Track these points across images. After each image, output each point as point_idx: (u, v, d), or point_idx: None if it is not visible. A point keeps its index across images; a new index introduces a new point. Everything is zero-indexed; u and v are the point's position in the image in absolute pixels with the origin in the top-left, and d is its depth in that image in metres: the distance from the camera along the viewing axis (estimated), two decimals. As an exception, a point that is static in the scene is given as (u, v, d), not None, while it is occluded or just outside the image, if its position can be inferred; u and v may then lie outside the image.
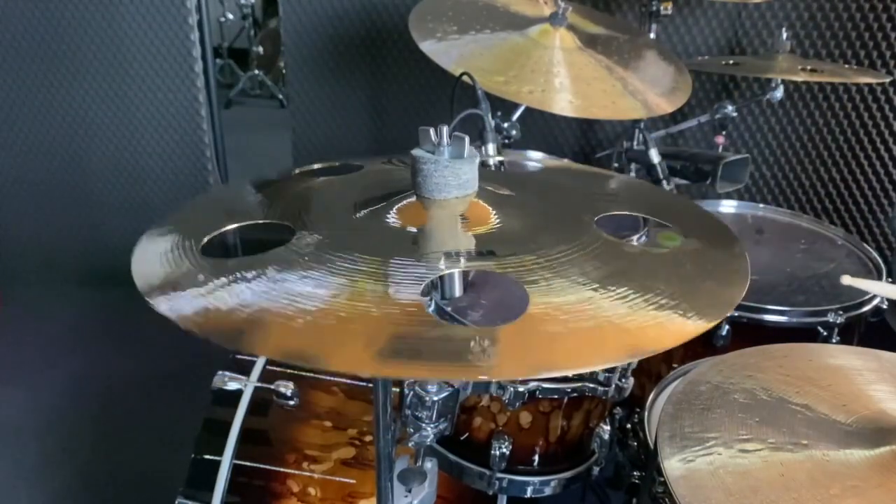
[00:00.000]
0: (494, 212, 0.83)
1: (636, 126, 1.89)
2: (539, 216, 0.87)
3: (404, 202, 0.83)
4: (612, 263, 0.76)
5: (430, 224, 0.81)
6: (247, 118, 5.01)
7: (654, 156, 1.82)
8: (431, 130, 0.81)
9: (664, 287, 0.73)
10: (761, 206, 1.89)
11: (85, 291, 2.83)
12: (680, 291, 0.72)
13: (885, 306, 1.53)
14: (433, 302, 0.74)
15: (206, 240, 0.79)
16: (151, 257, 0.77)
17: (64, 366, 2.43)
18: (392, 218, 0.81)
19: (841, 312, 1.43)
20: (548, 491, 1.25)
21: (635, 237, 1.23)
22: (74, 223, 2.84)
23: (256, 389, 1.33)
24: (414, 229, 0.80)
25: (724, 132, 2.05)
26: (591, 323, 0.67)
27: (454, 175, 0.80)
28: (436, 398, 0.95)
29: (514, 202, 0.89)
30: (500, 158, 1.15)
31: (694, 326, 0.68)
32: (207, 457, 1.27)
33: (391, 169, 1.02)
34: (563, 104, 1.50)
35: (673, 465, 0.79)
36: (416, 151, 0.82)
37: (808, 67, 1.84)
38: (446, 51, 1.54)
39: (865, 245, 1.71)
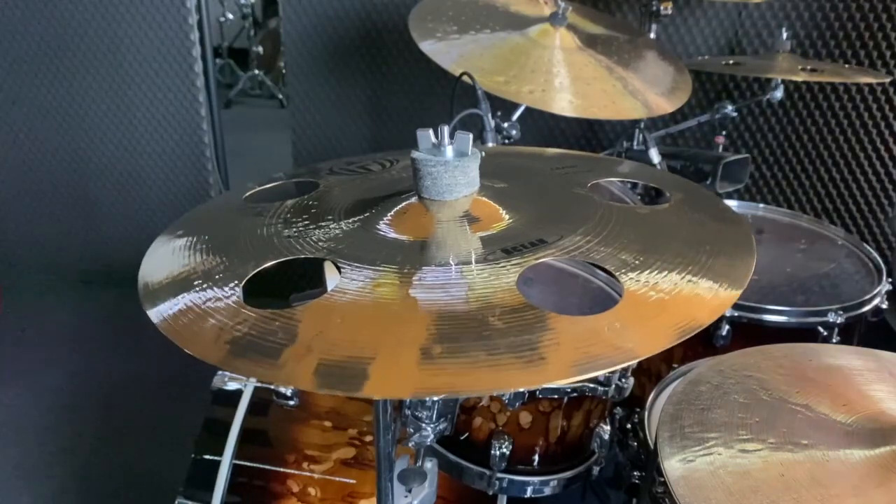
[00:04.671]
0: (499, 206, 0.82)
1: (636, 126, 1.89)
2: (539, 200, 0.86)
3: (408, 210, 0.81)
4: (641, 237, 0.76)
5: (438, 230, 0.79)
6: (247, 118, 5.02)
7: (654, 156, 1.82)
8: (431, 132, 0.80)
9: (679, 262, 0.72)
10: (761, 206, 1.89)
11: (85, 291, 2.83)
12: (695, 266, 0.72)
13: (885, 306, 1.53)
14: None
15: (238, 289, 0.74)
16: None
17: (64, 366, 2.43)
18: (396, 233, 0.79)
19: (841, 312, 1.43)
20: (548, 491, 1.25)
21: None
22: (74, 223, 2.84)
23: (256, 389, 1.33)
24: (418, 239, 0.77)
25: (724, 132, 2.06)
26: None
27: (463, 174, 0.80)
28: (436, 398, 0.94)
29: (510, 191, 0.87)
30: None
31: (726, 295, 0.68)
32: (207, 457, 1.27)
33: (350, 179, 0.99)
34: (563, 104, 1.50)
35: (673, 465, 0.79)
36: (418, 154, 0.80)
37: (808, 67, 1.83)
38: (446, 51, 1.54)
39: (865, 245, 1.71)
